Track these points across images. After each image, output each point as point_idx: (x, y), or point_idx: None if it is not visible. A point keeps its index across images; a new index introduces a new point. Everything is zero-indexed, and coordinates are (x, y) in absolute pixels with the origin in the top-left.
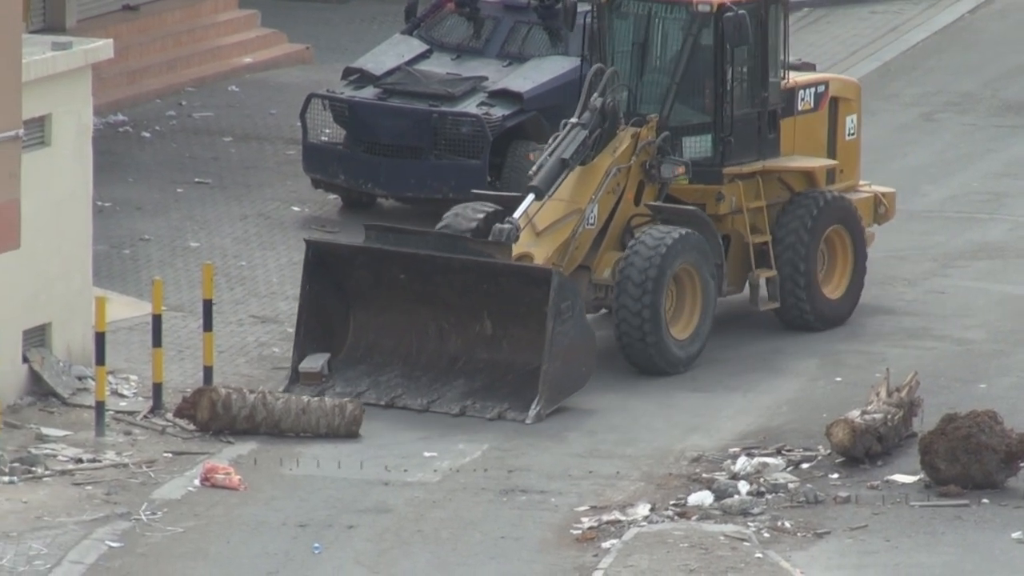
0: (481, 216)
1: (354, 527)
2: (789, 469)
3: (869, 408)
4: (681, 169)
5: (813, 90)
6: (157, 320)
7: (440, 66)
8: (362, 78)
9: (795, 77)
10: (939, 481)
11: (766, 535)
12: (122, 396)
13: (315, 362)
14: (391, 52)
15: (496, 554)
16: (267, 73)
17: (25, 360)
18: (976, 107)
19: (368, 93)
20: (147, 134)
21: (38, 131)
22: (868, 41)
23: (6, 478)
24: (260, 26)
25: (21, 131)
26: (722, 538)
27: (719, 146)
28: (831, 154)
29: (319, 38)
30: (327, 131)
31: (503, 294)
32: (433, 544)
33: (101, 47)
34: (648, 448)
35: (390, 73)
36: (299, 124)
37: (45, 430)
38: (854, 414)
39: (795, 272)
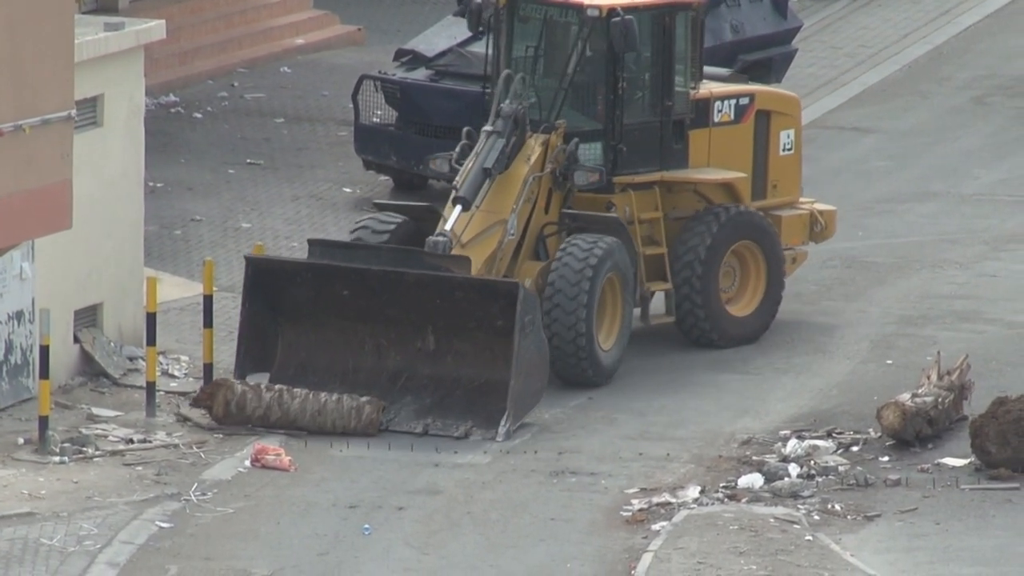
0: (392, 227)
1: (404, 508)
2: (839, 452)
3: (920, 391)
4: (595, 176)
5: (733, 102)
6: (208, 301)
7: None
8: (414, 60)
9: (712, 87)
10: (989, 464)
11: (816, 518)
12: (173, 377)
13: (258, 382)
14: (443, 34)
15: (546, 536)
16: (319, 54)
17: (76, 340)
18: None
19: (420, 75)
20: (199, 115)
21: (90, 112)
22: (920, 24)
23: (57, 458)
24: (312, 7)
25: (73, 111)
26: (772, 521)
27: (609, 154)
28: (760, 169)
29: (371, 19)
30: (379, 112)
31: (454, 308)
32: (483, 526)
33: (153, 28)
34: (698, 430)
35: (442, 55)
36: (351, 105)
37: (96, 410)
38: (905, 397)
39: (691, 287)
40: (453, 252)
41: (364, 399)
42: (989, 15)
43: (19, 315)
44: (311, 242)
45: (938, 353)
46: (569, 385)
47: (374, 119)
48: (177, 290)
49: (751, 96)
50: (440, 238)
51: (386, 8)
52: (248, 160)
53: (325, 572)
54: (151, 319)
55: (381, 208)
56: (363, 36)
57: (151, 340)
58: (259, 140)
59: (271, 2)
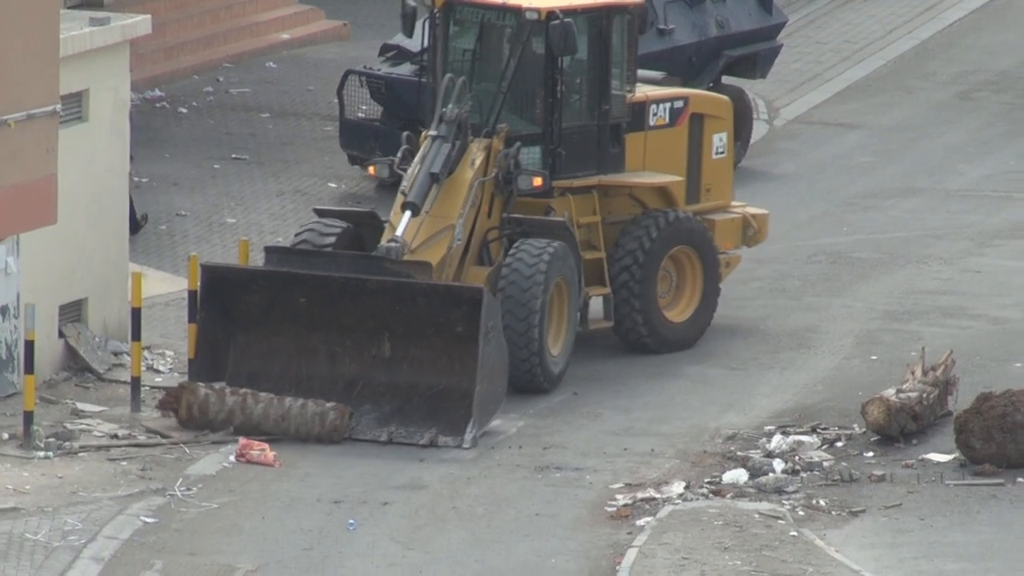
0: (336, 232)
1: (389, 504)
2: (824, 447)
3: (904, 387)
4: (539, 181)
5: (668, 105)
6: (193, 296)
7: None
8: (399, 55)
9: (647, 91)
10: (974, 460)
11: (801, 513)
12: (157, 372)
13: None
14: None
15: (530, 531)
16: (304, 49)
17: (61, 335)
18: (1013, 86)
19: (405, 70)
20: (184, 110)
21: (76, 107)
22: (905, 20)
23: (42, 453)
24: (298, 2)
25: (59, 107)
26: (757, 516)
27: (548, 158)
28: (695, 172)
29: (356, 14)
30: (364, 107)
31: (413, 315)
32: (468, 521)
33: (139, 23)
34: (683, 426)
35: (427, 50)
36: (336, 100)
37: (81, 405)
38: (889, 392)
39: (629, 292)
40: (405, 258)
41: (329, 405)
42: (974, 10)
43: (4, 310)
44: (268, 249)
45: (923, 349)
46: (517, 391)
47: (359, 114)
48: (162, 285)
49: (685, 99)
50: (393, 244)
51: (371, 3)
52: (233, 155)
53: (309, 567)
54: (136, 314)
55: (323, 214)
56: (348, 31)
57: (136, 335)
58: (244, 135)
59: None
